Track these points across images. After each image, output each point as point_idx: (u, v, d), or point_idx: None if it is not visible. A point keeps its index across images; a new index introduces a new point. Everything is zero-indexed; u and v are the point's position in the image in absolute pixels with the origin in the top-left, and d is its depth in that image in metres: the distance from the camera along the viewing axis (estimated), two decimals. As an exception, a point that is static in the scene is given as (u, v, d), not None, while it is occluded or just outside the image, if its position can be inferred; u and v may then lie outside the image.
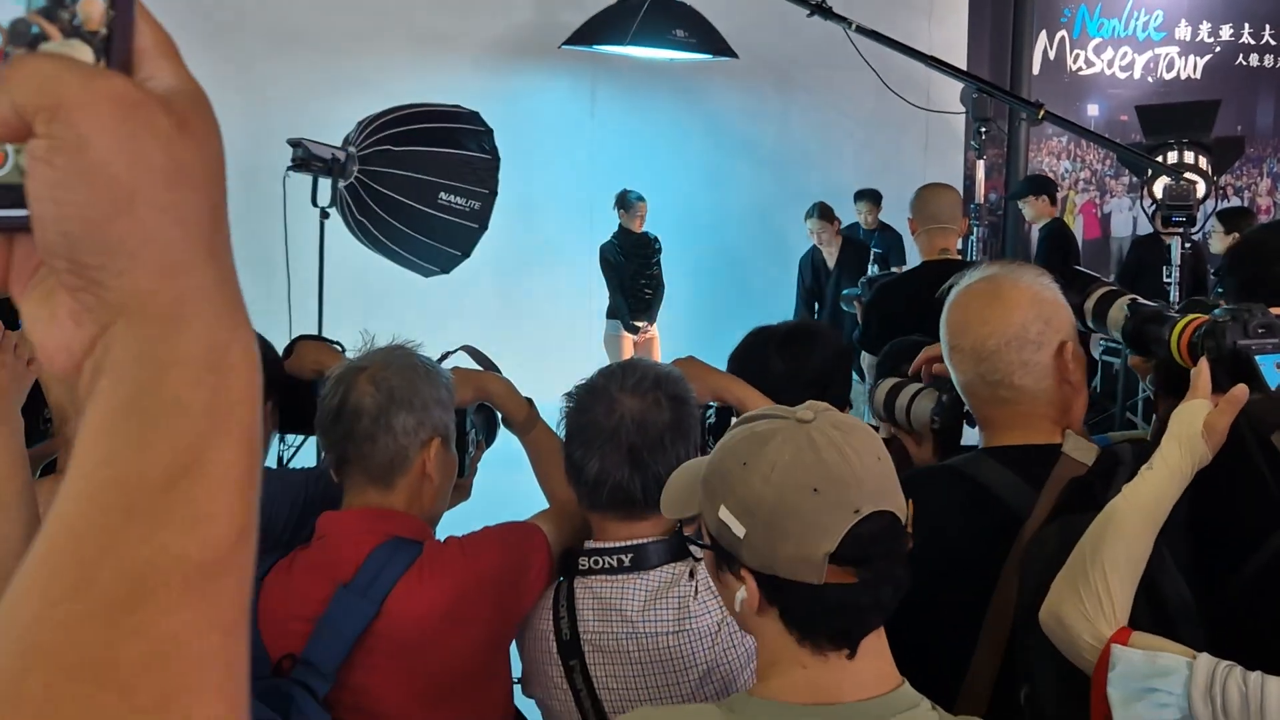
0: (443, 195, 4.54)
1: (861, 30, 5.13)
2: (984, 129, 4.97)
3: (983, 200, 5.15)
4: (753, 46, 7.20)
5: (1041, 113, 4.98)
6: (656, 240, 6.54)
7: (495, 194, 4.67)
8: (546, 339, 7.11)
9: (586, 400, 1.46)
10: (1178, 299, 5.80)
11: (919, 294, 3.63)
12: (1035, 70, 8.10)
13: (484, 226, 4.68)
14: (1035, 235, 6.62)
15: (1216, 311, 1.34)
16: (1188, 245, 5.79)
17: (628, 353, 6.43)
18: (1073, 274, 1.64)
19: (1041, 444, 1.46)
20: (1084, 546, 1.20)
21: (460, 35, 6.82)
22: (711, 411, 1.69)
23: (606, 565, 1.44)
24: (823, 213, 6.57)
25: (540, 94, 7.06)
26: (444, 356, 1.71)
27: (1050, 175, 8.39)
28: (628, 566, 1.43)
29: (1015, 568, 1.34)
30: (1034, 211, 6.21)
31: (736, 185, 7.53)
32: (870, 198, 6.71)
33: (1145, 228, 7.70)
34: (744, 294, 7.13)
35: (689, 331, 7.15)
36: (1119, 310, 1.57)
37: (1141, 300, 1.69)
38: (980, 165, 5.13)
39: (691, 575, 1.42)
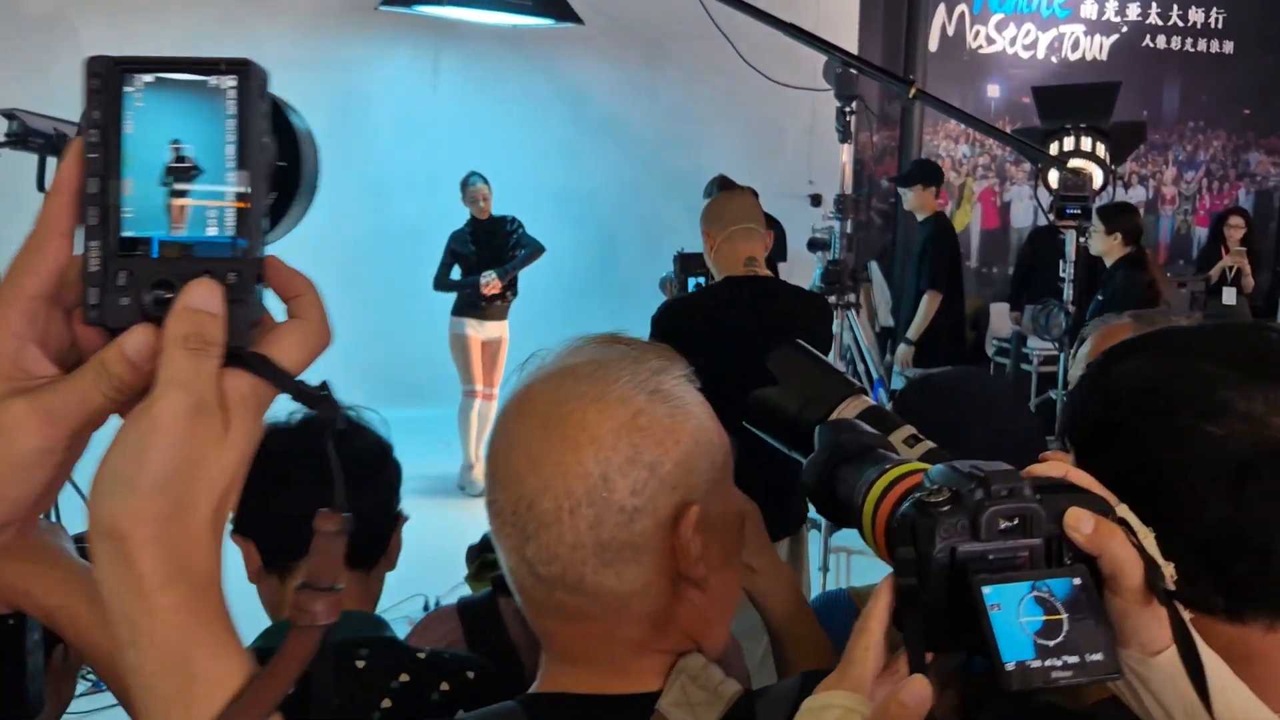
0: (199, 179, 3.75)
1: (712, -7, 4.46)
2: (849, 109, 4.36)
3: (846, 191, 4.55)
4: (617, 14, 6.49)
5: (913, 90, 4.37)
6: (513, 222, 5.63)
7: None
8: (392, 340, 6.35)
9: None
10: (1072, 298, 5.26)
11: (710, 318, 2.90)
12: (933, 47, 7.52)
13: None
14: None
15: (931, 472, 0.67)
16: (1084, 239, 5.26)
17: (476, 354, 5.63)
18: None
19: (627, 694, 0.82)
20: None
21: (280, -6, 6.01)
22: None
23: None
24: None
25: (375, 64, 6.28)
26: None
27: (946, 161, 7.83)
28: None
29: None
30: (917, 202, 5.59)
31: (599, 166, 6.82)
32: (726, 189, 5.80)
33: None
34: (608, 286, 6.44)
35: (542, 329, 6.43)
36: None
37: (888, 412, 1.03)
38: (846, 150, 4.53)
39: None
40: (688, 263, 4.63)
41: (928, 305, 5.42)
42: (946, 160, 7.86)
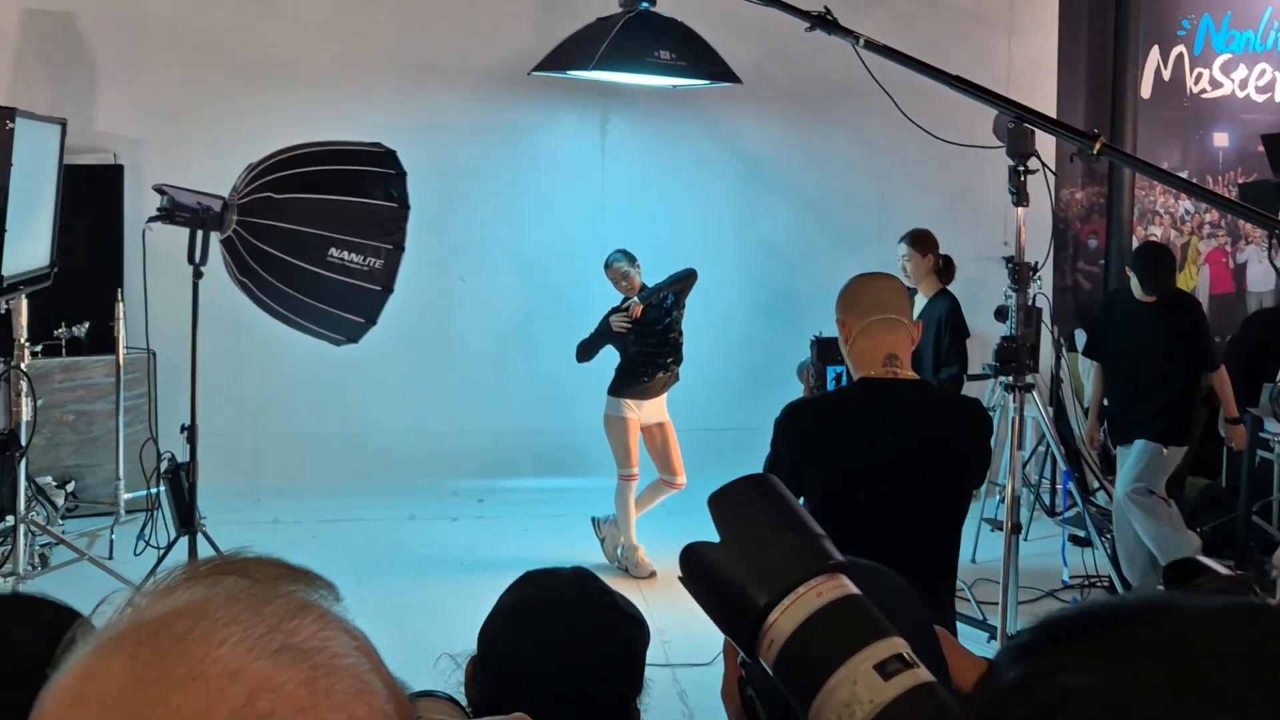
0: (334, 252, 3.74)
1: (870, 46, 4.16)
2: (1023, 168, 3.92)
3: (1020, 256, 4.11)
4: (788, 72, 6.23)
5: (1098, 146, 3.87)
6: (665, 298, 5.15)
7: (402, 249, 3.85)
8: (559, 415, 6.23)
9: None
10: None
11: (839, 429, 2.53)
12: (1145, 93, 6.81)
13: (389, 289, 3.85)
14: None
15: None
16: (1327, 310, 4.56)
17: (634, 436, 5.22)
18: None
19: None
20: None
21: (452, 63, 6.10)
22: None
23: None
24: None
25: (543, 128, 6.26)
26: None
27: (1165, 218, 7.05)
28: None
29: None
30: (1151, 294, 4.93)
31: (774, 228, 6.53)
32: (919, 243, 5.21)
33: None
34: (784, 358, 6.08)
35: (717, 409, 6.14)
36: None
37: (869, 610, 0.73)
38: (1022, 213, 4.09)
39: None
40: (826, 349, 4.14)
41: (1225, 383, 5.04)
42: (1165, 218, 7.09)
